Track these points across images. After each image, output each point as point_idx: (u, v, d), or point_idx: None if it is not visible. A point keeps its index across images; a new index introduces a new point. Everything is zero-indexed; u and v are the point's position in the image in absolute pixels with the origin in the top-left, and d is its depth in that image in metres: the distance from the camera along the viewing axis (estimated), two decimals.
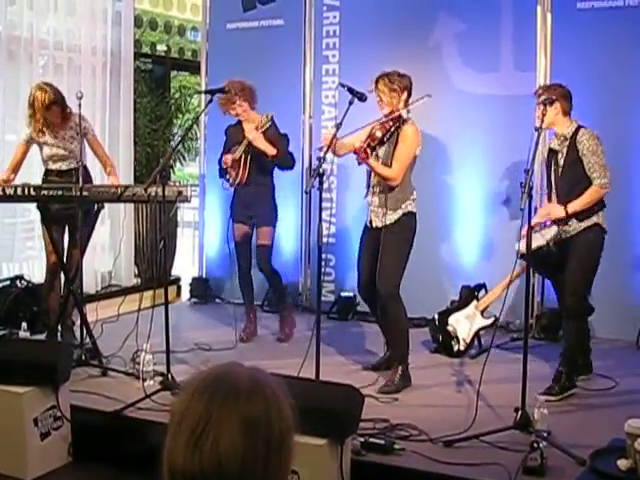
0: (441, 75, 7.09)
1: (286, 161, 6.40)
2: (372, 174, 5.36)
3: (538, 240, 5.02)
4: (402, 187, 5.26)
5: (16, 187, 5.59)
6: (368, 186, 5.43)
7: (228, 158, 6.36)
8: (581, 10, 6.61)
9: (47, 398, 4.41)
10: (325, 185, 4.79)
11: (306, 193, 4.82)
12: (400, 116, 5.26)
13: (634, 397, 5.09)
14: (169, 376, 5.04)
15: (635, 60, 6.40)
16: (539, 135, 4.62)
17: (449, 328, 6.13)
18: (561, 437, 4.23)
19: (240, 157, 6.29)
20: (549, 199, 5.35)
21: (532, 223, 4.47)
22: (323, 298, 5.71)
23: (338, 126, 4.90)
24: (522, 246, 4.79)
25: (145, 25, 11.10)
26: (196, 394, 1.43)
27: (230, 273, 6.85)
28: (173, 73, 12.02)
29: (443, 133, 7.03)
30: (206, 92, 6.61)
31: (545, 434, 4.14)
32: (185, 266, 9.67)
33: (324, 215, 5.01)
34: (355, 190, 6.20)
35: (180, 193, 5.48)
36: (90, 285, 7.69)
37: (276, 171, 6.50)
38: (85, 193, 5.55)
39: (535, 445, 3.85)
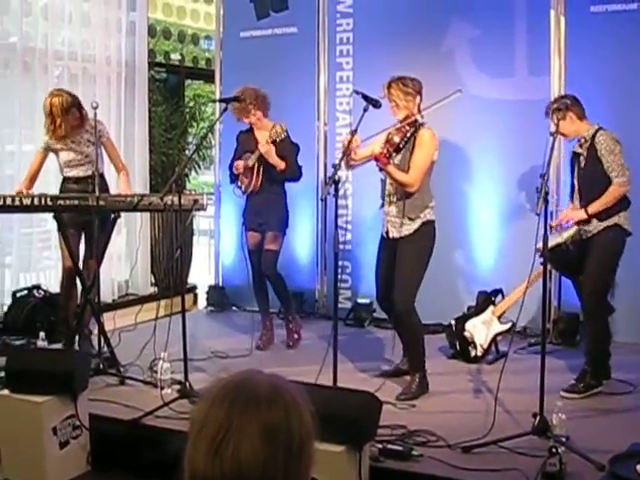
0: (455, 81, 7.06)
1: (293, 174, 6.41)
2: (387, 183, 5.32)
3: (556, 239, 5.05)
4: (420, 194, 5.22)
5: (33, 197, 5.62)
6: (383, 196, 5.39)
7: (240, 164, 6.36)
8: (595, 14, 6.59)
9: (66, 407, 4.42)
10: (340, 192, 4.80)
11: (322, 200, 4.81)
12: (416, 120, 5.24)
13: None
14: (187, 384, 5.05)
15: None
16: (554, 140, 4.64)
17: (466, 334, 6.11)
18: (580, 442, 4.21)
19: (253, 165, 6.31)
20: (572, 201, 5.38)
21: (553, 224, 4.48)
22: (340, 305, 5.69)
23: (353, 133, 4.90)
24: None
25: (159, 34, 11.16)
26: (216, 401, 1.44)
27: (246, 281, 6.85)
28: (187, 82, 12.07)
29: (458, 139, 7.01)
30: (220, 101, 6.64)
31: (564, 439, 4.12)
32: (201, 274, 9.69)
33: (340, 222, 5.01)
34: (370, 197, 6.19)
35: (196, 202, 5.49)
36: (107, 294, 7.72)
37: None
38: (102, 202, 5.58)
39: (554, 450, 3.83)
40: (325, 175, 7.61)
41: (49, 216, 5.98)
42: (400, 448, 4.17)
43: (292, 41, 7.91)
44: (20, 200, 5.59)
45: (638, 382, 5.36)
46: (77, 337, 6.03)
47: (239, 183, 6.48)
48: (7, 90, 7.23)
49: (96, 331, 5.84)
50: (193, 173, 11.06)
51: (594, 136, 5.12)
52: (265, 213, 6.42)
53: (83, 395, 4.54)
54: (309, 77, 7.84)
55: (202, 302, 8.55)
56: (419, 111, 5.28)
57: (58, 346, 6.10)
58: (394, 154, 5.19)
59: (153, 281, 8.56)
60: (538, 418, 4.26)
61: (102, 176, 5.98)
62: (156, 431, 4.62)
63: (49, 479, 4.30)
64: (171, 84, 11.14)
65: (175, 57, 11.72)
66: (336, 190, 4.65)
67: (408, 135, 5.20)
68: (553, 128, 4.88)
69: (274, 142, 6.18)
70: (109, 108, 7.93)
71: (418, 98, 5.27)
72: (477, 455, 4.18)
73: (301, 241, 7.86)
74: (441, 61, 7.17)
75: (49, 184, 6.54)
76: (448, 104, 5.40)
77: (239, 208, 6.95)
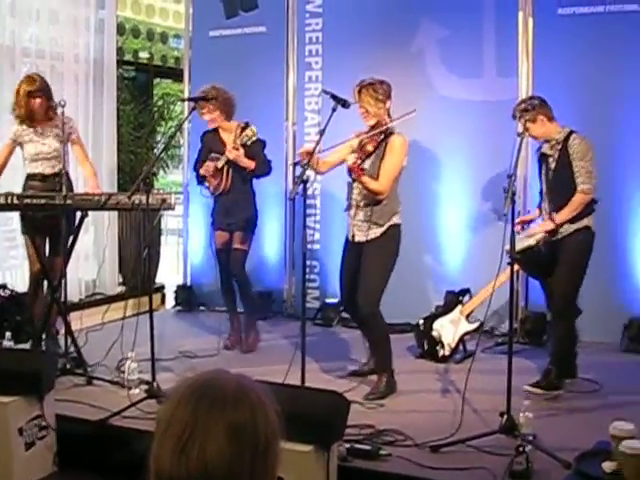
0: (424, 81, 7.12)
1: (263, 170, 6.38)
2: (354, 187, 5.30)
3: (528, 240, 5.09)
4: (389, 200, 5.21)
5: None
6: (349, 199, 5.36)
7: (210, 166, 6.32)
8: (562, 16, 6.65)
9: (32, 407, 4.37)
10: (309, 192, 4.79)
11: (290, 200, 4.80)
12: (388, 128, 5.23)
13: (618, 400, 5.11)
14: (154, 384, 5.02)
15: (616, 65, 6.45)
16: (522, 141, 4.67)
17: (434, 333, 6.13)
18: (546, 441, 4.23)
19: (222, 166, 6.27)
20: (539, 207, 5.44)
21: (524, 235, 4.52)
22: (308, 305, 5.69)
23: (322, 133, 4.89)
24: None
25: (127, 33, 11.10)
26: (182, 401, 1.44)
27: (214, 281, 6.83)
28: (156, 80, 12.01)
29: (426, 139, 7.03)
30: (189, 100, 6.61)
31: (530, 438, 4.14)
32: (169, 274, 9.65)
33: (308, 222, 5.01)
34: (339, 197, 6.19)
35: (164, 201, 5.46)
36: (74, 293, 7.65)
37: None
38: (69, 201, 5.52)
39: (521, 449, 3.85)
40: (293, 175, 7.61)
41: (15, 215, 5.92)
42: (368, 448, 4.16)
43: (261, 40, 7.90)
44: None
45: (604, 381, 5.41)
46: (44, 337, 5.98)
47: (207, 184, 6.45)
48: None
49: (63, 331, 5.80)
50: (161, 172, 11.02)
51: (567, 139, 5.15)
52: (234, 213, 6.39)
53: (50, 395, 4.50)
54: (278, 76, 7.83)
55: (170, 302, 8.52)
56: (389, 115, 5.29)
57: (24, 346, 6.06)
58: (365, 158, 5.20)
59: (121, 280, 8.51)
60: (505, 417, 4.29)
61: (67, 174, 5.92)
62: (123, 431, 4.58)
63: None
64: (140, 82, 11.09)
65: (144, 55, 11.66)
66: (304, 190, 4.65)
67: (379, 141, 5.21)
68: (520, 129, 4.91)
69: (244, 145, 6.17)
70: (77, 106, 7.86)
71: (388, 102, 5.26)
72: (445, 454, 4.19)
73: (270, 241, 7.85)
74: (411, 61, 7.20)
75: (17, 184, 6.45)
76: (417, 104, 5.40)
77: (208, 208, 6.92)
